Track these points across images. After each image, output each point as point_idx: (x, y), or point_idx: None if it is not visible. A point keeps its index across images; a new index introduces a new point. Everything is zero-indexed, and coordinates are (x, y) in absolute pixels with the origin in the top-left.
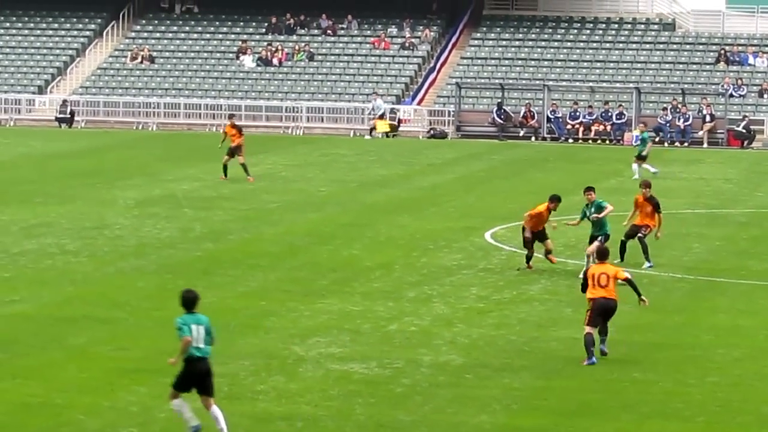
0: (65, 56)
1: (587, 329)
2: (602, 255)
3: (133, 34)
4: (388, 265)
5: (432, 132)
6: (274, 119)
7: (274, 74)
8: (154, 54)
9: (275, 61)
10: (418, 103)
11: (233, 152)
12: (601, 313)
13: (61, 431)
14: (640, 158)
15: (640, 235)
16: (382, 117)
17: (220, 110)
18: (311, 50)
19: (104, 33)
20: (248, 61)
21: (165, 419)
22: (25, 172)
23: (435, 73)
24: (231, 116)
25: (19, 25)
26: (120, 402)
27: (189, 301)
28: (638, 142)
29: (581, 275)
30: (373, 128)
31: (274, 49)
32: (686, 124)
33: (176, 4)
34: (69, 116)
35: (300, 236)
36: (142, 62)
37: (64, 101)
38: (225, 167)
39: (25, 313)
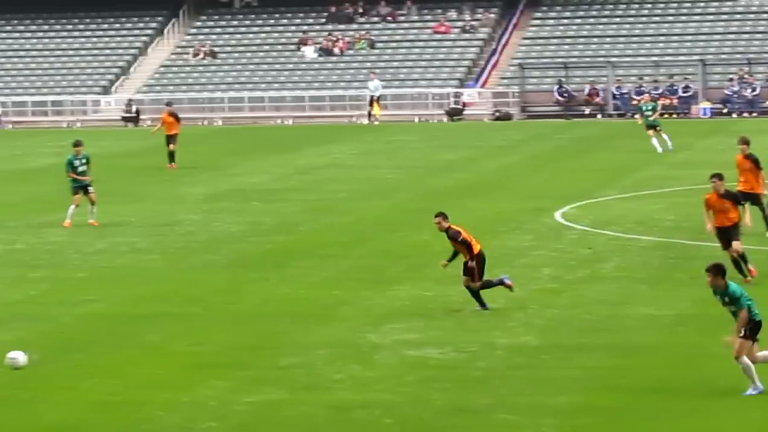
0: (128, 56)
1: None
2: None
3: (194, 31)
4: None
5: (497, 114)
6: (338, 108)
7: (335, 64)
8: (216, 49)
9: (336, 50)
10: (482, 86)
11: (169, 140)
12: None
13: (141, 428)
14: (652, 128)
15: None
16: (378, 100)
17: (284, 102)
18: (372, 38)
19: (165, 31)
20: (309, 52)
21: (244, 412)
22: (93, 172)
23: (497, 55)
24: (169, 104)
25: (81, 27)
26: (198, 397)
27: None
28: (648, 112)
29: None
30: (371, 114)
31: (334, 38)
32: (754, 94)
33: None
34: (135, 115)
35: (369, 224)
36: (204, 58)
37: (129, 100)
38: (171, 154)
39: (101, 313)
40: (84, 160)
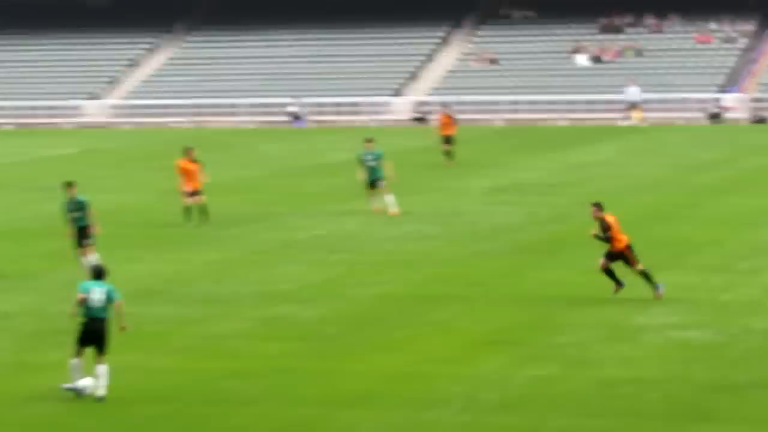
0: (417, 62)
1: None
2: None
3: (477, 40)
4: (718, 240)
5: (755, 117)
6: (608, 111)
7: (605, 70)
8: (497, 56)
9: (606, 58)
10: (740, 92)
11: (446, 140)
12: None
13: (429, 397)
14: None
15: None
16: (635, 106)
17: (558, 105)
18: (639, 47)
19: (451, 40)
20: (581, 59)
21: (521, 385)
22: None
23: (755, 63)
24: (444, 105)
25: (375, 36)
26: (481, 370)
27: (97, 273)
28: None
29: None
30: (629, 117)
31: (605, 47)
32: None
33: (514, 10)
34: (422, 116)
35: (636, 216)
36: (486, 64)
37: (419, 102)
38: (447, 153)
39: (393, 293)
40: (372, 156)
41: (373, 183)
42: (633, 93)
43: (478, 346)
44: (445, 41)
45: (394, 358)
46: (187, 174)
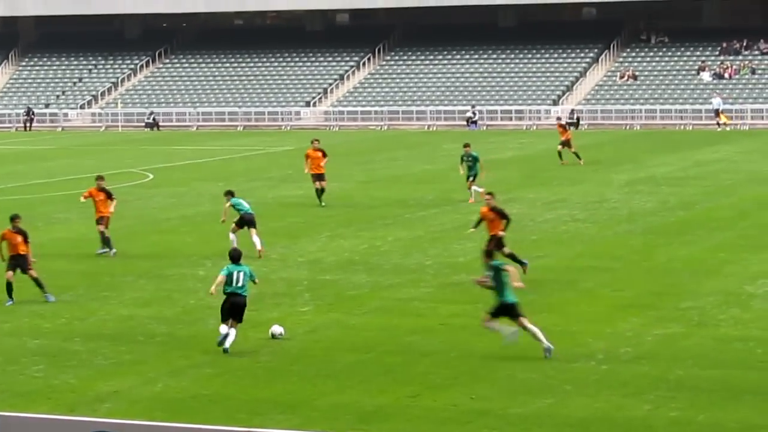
0: (572, 77)
1: None
2: None
3: (620, 59)
4: None
5: None
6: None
7: (725, 85)
8: (637, 73)
9: (726, 75)
10: None
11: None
12: None
13: (575, 351)
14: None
15: None
16: (721, 112)
17: (686, 113)
18: (753, 66)
19: (600, 59)
20: (706, 76)
21: (651, 342)
22: (543, 163)
23: None
24: (559, 119)
25: (535, 55)
26: (618, 329)
27: (234, 257)
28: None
29: None
30: (718, 122)
31: (725, 66)
32: None
33: (652, 35)
34: (575, 121)
35: (749, 204)
36: (628, 80)
37: (572, 110)
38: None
39: (549, 265)
40: (470, 158)
41: (469, 178)
42: (717, 103)
43: (617, 309)
44: (595, 60)
45: (549, 318)
46: (313, 161)
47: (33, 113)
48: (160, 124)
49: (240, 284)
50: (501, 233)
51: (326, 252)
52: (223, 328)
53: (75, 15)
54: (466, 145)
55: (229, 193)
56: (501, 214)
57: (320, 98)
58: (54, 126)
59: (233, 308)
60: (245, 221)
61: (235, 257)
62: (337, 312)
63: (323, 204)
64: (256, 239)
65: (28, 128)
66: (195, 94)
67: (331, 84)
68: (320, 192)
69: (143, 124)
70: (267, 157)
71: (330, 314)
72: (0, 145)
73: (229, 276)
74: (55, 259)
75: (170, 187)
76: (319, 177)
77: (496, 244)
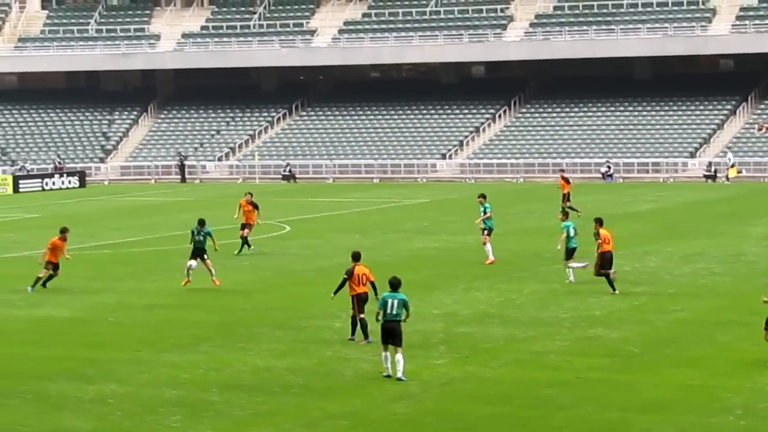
0: (709, 129)
1: None
2: None
3: (759, 111)
4: None
5: None
6: None
7: None
8: None
9: None
10: None
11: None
12: None
13: (713, 405)
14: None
15: None
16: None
17: None
18: None
19: (737, 110)
20: None
21: None
22: (681, 215)
23: None
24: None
25: (669, 105)
26: (757, 384)
27: (393, 285)
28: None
29: None
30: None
31: None
32: None
33: None
34: (713, 174)
35: None
36: (766, 132)
37: (709, 163)
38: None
39: (685, 319)
40: (483, 209)
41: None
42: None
43: (756, 363)
44: (733, 112)
45: (685, 372)
46: (245, 213)
47: (185, 162)
48: (297, 176)
49: (394, 312)
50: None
51: (462, 304)
52: (385, 357)
53: (212, 68)
54: (481, 196)
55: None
56: None
57: (456, 150)
58: (192, 178)
59: (390, 334)
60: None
61: (393, 284)
62: (472, 365)
63: (249, 251)
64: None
65: (182, 179)
66: (331, 146)
67: (466, 136)
68: (244, 240)
69: (280, 176)
70: (402, 209)
71: (465, 367)
72: (139, 197)
73: (384, 303)
74: (191, 310)
75: (306, 239)
76: (247, 226)
77: None
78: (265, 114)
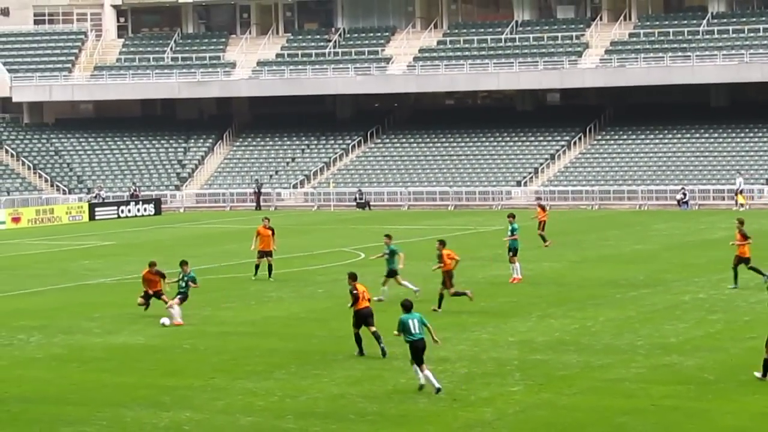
0: None
1: None
2: None
3: None
4: None
5: None
6: None
7: None
8: None
9: None
10: None
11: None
12: None
13: None
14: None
15: None
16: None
17: None
18: None
19: None
20: None
21: None
22: (758, 242)
23: None
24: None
25: (745, 132)
26: None
27: (406, 307)
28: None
29: None
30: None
31: None
32: None
33: None
34: None
35: None
36: None
37: None
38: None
39: (760, 346)
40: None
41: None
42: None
43: None
44: None
45: (761, 399)
46: (262, 238)
47: (261, 189)
48: (371, 203)
49: (417, 330)
50: None
51: (537, 332)
52: (419, 374)
53: (287, 96)
54: (511, 216)
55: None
56: None
57: (531, 178)
58: (267, 205)
59: (420, 351)
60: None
61: (406, 306)
62: (547, 392)
63: (271, 279)
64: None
65: (258, 206)
66: (406, 173)
67: (542, 163)
68: (269, 268)
69: (354, 203)
70: (477, 236)
71: (540, 394)
72: (215, 224)
73: (405, 324)
74: (266, 337)
75: (380, 266)
76: (266, 254)
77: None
78: (340, 141)
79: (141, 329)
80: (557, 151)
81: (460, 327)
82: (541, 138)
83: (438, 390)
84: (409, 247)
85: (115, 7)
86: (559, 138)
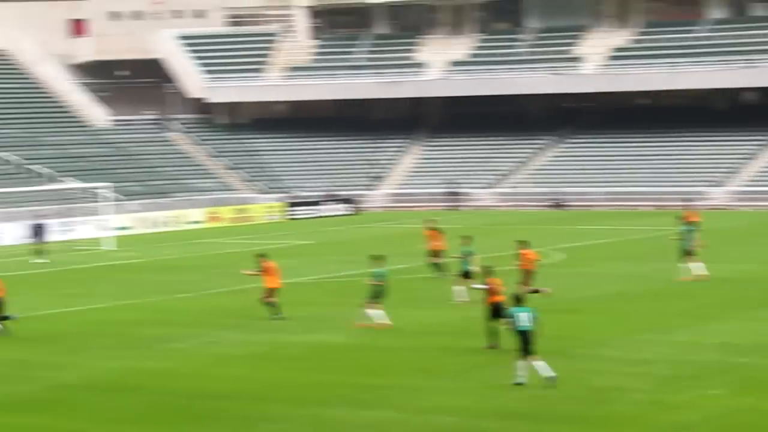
0: None
1: None
2: None
3: None
4: None
5: None
6: None
7: None
8: None
9: None
10: None
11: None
12: None
13: None
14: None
15: None
16: None
17: None
18: None
19: None
20: None
21: None
22: None
23: None
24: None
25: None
26: None
27: (517, 300)
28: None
29: None
30: None
31: None
32: None
33: None
34: None
35: None
36: None
37: None
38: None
39: None
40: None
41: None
42: None
43: None
44: None
45: None
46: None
47: (457, 189)
48: (565, 203)
49: (527, 322)
50: None
51: (739, 334)
52: (522, 370)
53: (479, 96)
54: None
55: None
56: None
57: (728, 177)
58: (461, 205)
59: (527, 342)
60: None
61: (519, 299)
62: (751, 396)
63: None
64: None
65: (454, 206)
66: (600, 173)
67: (738, 164)
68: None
69: (548, 203)
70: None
71: (744, 398)
72: (410, 224)
73: (514, 316)
74: (463, 337)
75: (579, 267)
76: (435, 254)
77: None
78: (533, 141)
79: (339, 328)
80: (755, 152)
81: (659, 329)
82: (737, 138)
83: (552, 378)
84: (604, 248)
85: (308, 8)
86: (754, 137)
